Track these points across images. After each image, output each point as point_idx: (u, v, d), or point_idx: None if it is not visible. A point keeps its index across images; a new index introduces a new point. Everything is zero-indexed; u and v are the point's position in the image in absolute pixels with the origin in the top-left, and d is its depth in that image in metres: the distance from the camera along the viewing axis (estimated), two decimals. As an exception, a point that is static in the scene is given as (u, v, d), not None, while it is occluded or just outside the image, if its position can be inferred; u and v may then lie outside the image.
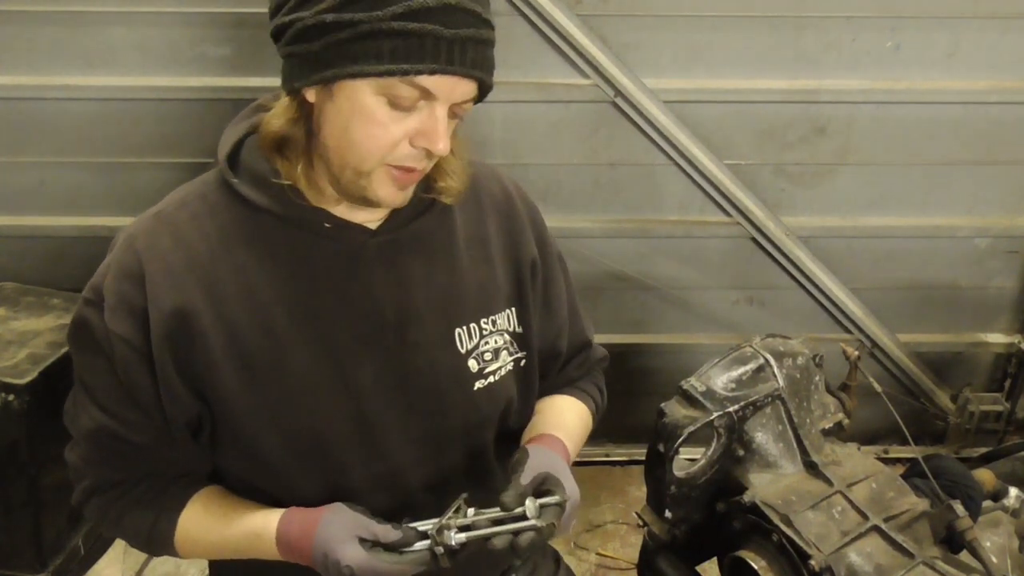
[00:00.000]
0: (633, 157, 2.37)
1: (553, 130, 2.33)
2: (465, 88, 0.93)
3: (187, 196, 1.04)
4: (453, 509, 0.99)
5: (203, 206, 1.02)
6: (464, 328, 1.11)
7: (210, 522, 1.07)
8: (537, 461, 1.04)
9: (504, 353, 1.15)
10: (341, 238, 1.03)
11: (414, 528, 0.99)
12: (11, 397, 1.96)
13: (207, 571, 1.25)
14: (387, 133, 0.92)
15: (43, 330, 2.16)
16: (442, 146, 0.93)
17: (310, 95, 0.95)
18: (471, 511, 1.00)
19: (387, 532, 0.97)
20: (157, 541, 1.09)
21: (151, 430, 1.04)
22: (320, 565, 0.97)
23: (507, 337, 1.15)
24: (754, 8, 2.21)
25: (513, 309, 1.17)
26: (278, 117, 0.98)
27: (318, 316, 1.02)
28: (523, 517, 0.97)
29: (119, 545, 2.35)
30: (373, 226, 1.05)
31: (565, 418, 1.24)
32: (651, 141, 2.34)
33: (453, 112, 0.96)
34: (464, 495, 1.02)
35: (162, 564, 2.33)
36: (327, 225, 1.02)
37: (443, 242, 1.11)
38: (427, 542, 0.97)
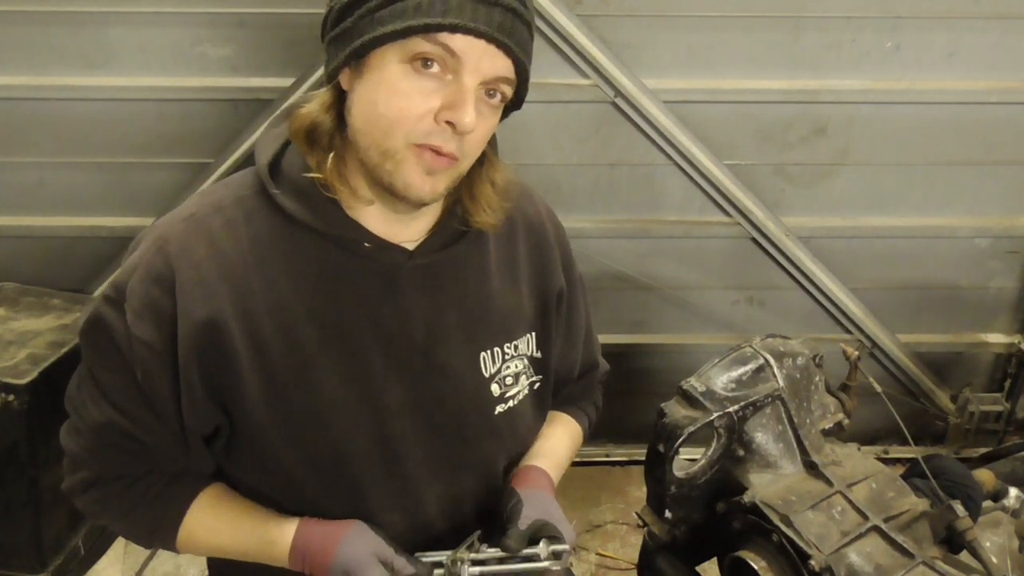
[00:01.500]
0: (633, 157, 2.37)
1: (553, 130, 2.33)
2: (496, 61, 0.90)
3: (222, 200, 1.00)
4: (467, 544, 1.01)
5: (239, 212, 0.99)
6: (489, 352, 1.10)
7: (219, 524, 1.06)
8: (533, 509, 1.05)
9: (523, 378, 1.15)
10: (379, 258, 1.01)
11: (430, 563, 1.01)
12: (11, 397, 1.96)
13: (207, 572, 1.25)
14: (411, 104, 0.89)
15: (43, 330, 2.16)
16: (468, 119, 0.89)
17: (345, 80, 0.94)
18: (484, 547, 1.02)
19: (405, 565, 0.98)
20: (158, 537, 1.08)
21: (163, 432, 1.02)
22: None
23: (526, 362, 1.15)
24: (754, 8, 2.21)
25: (533, 334, 1.16)
26: (312, 104, 0.96)
27: (348, 336, 1.01)
28: (528, 559, 1.00)
29: (119, 545, 2.35)
30: (411, 247, 1.03)
31: (557, 443, 1.24)
32: (651, 141, 2.34)
33: (488, 92, 0.93)
34: (478, 531, 1.04)
35: (162, 565, 2.32)
36: (367, 245, 1.00)
37: (476, 266, 1.09)
38: (442, 571, 0.99)
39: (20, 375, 1.98)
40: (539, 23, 2.17)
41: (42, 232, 2.40)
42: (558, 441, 1.25)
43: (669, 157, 2.36)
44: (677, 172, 2.39)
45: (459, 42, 0.87)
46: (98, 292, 1.02)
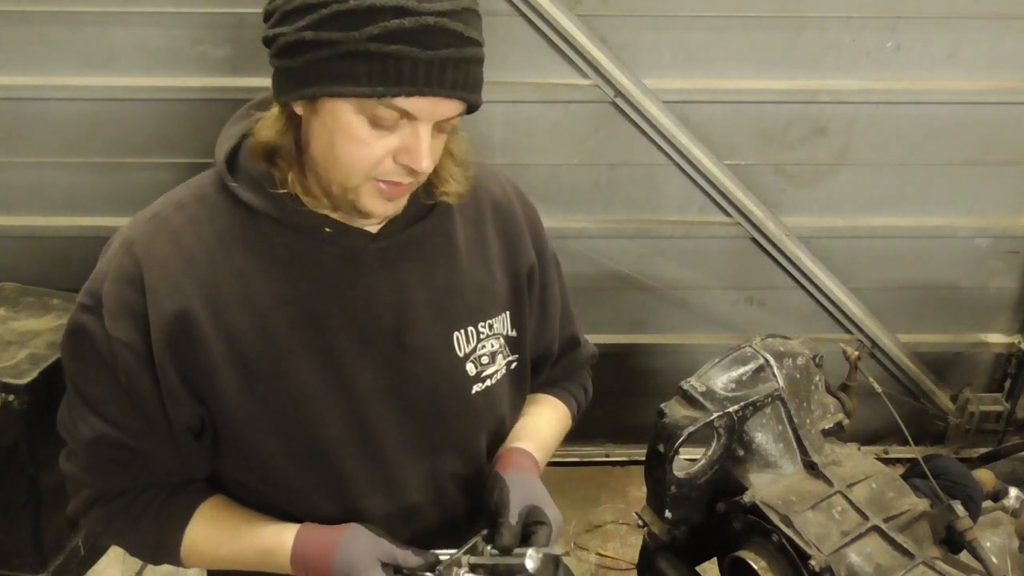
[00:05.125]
0: (633, 157, 2.37)
1: (553, 130, 2.33)
2: (448, 107, 0.92)
3: (184, 198, 1.03)
4: (469, 546, 1.01)
5: (201, 209, 1.01)
6: (462, 332, 1.11)
7: (220, 536, 1.06)
8: (519, 496, 1.05)
9: (499, 357, 1.15)
10: (341, 243, 1.02)
11: (435, 554, 1.00)
12: (11, 397, 1.96)
13: (206, 573, 1.25)
14: (370, 151, 0.92)
15: (43, 330, 2.15)
16: (425, 165, 0.93)
17: (298, 108, 0.95)
18: (488, 548, 1.01)
19: (407, 557, 0.98)
20: (163, 553, 1.08)
21: (154, 437, 1.03)
22: None
23: (502, 340, 1.15)
24: (754, 8, 2.21)
25: (508, 312, 1.16)
26: (268, 128, 0.97)
27: (318, 321, 1.02)
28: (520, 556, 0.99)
29: (119, 545, 2.34)
30: (373, 230, 1.04)
31: (542, 422, 1.25)
32: (651, 141, 2.34)
33: (440, 127, 0.95)
34: (483, 532, 1.03)
35: (161, 566, 2.32)
36: (328, 230, 1.01)
37: (443, 246, 1.10)
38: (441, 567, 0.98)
39: (20, 375, 1.97)
40: (539, 23, 2.17)
41: (42, 232, 2.40)
42: (542, 420, 1.25)
43: (669, 157, 2.36)
44: (677, 172, 2.39)
45: (414, 104, 0.89)
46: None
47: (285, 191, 0.98)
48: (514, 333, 1.17)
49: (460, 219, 1.12)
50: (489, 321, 1.13)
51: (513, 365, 1.18)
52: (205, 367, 0.98)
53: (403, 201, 1.00)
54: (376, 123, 0.91)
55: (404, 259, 1.06)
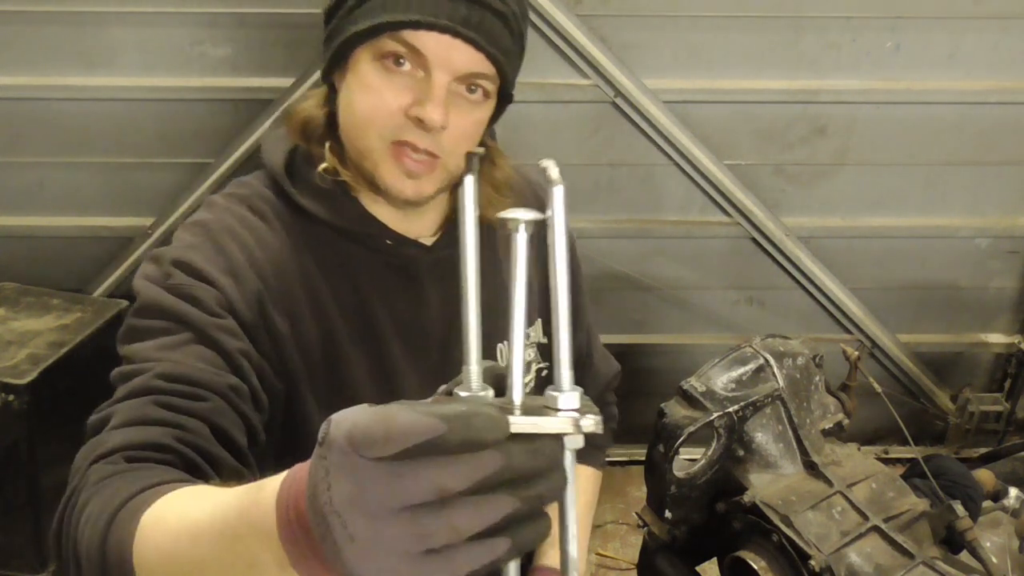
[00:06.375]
0: (633, 157, 2.37)
1: (553, 130, 2.33)
2: (465, 56, 0.89)
3: (248, 197, 1.01)
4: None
5: (267, 208, 1.00)
6: (504, 343, 1.11)
7: (198, 496, 0.73)
8: None
9: (533, 365, 1.15)
10: (397, 253, 1.02)
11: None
12: (11, 397, 1.95)
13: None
14: (382, 101, 0.90)
15: (43, 330, 2.15)
16: (434, 116, 0.88)
17: (337, 81, 0.95)
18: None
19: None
20: (125, 510, 0.72)
21: (214, 389, 0.87)
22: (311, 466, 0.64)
23: (536, 349, 1.15)
24: (754, 8, 2.21)
25: (541, 319, 1.16)
26: (307, 102, 0.99)
27: (373, 329, 1.02)
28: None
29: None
30: (428, 243, 1.04)
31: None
32: (651, 141, 2.34)
33: (468, 87, 0.92)
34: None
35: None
36: (388, 242, 1.01)
37: (488, 259, 1.10)
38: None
39: (20, 375, 1.97)
40: (539, 23, 2.17)
41: (42, 232, 2.40)
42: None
43: (669, 157, 2.36)
44: (677, 172, 2.39)
45: (423, 39, 0.87)
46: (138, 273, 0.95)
47: (332, 179, 0.97)
48: (545, 340, 1.17)
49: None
50: (527, 330, 1.13)
51: (544, 373, 1.17)
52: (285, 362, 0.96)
53: (427, 184, 0.95)
54: (392, 67, 0.89)
55: (454, 272, 1.06)
